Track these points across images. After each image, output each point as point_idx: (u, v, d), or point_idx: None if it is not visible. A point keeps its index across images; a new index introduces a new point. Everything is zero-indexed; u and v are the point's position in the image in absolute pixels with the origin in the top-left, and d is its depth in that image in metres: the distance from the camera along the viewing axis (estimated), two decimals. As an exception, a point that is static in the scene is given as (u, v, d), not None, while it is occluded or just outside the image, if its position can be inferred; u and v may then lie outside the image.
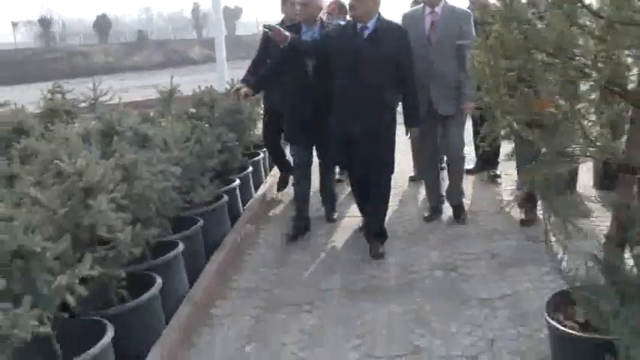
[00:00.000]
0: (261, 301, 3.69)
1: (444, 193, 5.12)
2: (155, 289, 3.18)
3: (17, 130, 4.80)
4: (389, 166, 4.42)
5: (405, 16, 4.88)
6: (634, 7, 1.94)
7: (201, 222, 4.14)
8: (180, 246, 3.67)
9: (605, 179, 5.02)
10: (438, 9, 4.63)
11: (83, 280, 2.67)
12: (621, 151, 2.14)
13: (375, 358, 2.96)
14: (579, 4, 2.22)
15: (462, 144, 4.88)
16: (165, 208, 3.64)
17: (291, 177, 5.49)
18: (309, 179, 4.97)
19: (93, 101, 6.37)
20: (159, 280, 3.25)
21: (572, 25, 2.23)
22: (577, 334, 2.28)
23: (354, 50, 4.15)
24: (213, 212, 4.48)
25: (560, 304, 2.56)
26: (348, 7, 4.63)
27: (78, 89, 6.42)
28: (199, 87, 6.13)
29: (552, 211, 2.32)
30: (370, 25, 4.17)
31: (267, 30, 4.45)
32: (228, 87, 6.69)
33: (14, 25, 35.46)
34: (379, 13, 4.21)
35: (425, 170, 5.24)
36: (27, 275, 2.49)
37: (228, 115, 5.72)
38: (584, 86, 2.20)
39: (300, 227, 4.85)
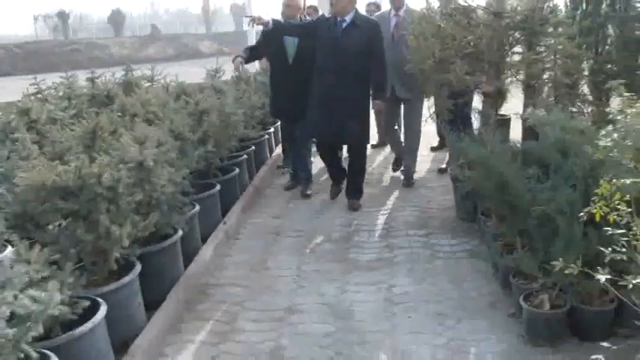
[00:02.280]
0: (292, 193, 6.00)
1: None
2: (235, 173, 5.52)
3: (107, 96, 7.09)
4: (365, 136, 5.37)
5: (376, 17, 5.78)
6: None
7: (253, 148, 6.49)
8: (245, 156, 6.03)
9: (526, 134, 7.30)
10: (401, 12, 5.67)
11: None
12: (474, 82, 4.48)
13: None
14: (465, 16, 4.57)
15: (419, 124, 5.92)
16: (237, 132, 5.97)
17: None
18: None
19: (151, 80, 8.68)
20: (236, 170, 5.59)
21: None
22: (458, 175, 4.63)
23: (333, 39, 5.07)
24: (259, 144, 6.83)
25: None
26: (330, 3, 5.48)
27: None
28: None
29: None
30: (348, 19, 5.05)
31: (249, 17, 5.49)
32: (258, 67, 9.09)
33: (35, 18, 37.91)
34: (356, 9, 5.11)
35: (389, 136, 6.43)
36: (183, 149, 4.82)
37: (262, 87, 8.05)
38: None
39: (294, 182, 6.11)
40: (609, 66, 5.05)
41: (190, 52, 36.56)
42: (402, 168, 6.18)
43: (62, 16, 38.23)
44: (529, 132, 6.28)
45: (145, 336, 3.22)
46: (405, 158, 6.13)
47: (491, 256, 3.66)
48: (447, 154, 6.30)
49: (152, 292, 3.63)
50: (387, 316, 3.41)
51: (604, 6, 5.38)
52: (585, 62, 5.04)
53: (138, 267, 3.41)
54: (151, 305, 3.55)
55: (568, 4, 5.39)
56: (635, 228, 2.11)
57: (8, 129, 4.95)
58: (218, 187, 5.03)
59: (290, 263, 4.20)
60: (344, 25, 5.07)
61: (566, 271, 2.36)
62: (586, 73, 5.03)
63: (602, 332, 2.92)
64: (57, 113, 5.92)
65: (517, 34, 4.55)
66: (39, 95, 7.01)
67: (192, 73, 8.60)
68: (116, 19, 40.73)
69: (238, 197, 5.53)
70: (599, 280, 2.22)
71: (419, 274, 3.91)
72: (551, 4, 4.88)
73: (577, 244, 2.87)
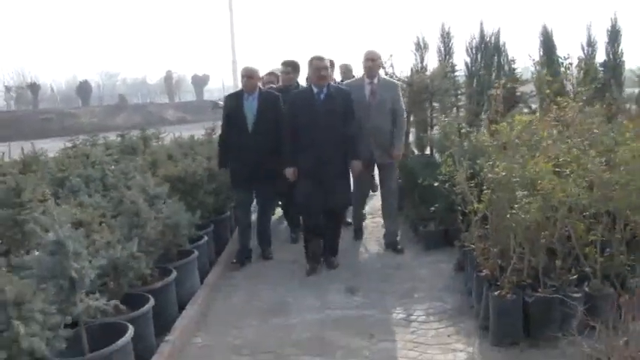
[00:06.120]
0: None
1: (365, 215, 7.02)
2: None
3: (132, 147, 9.80)
4: (348, 198, 5.82)
5: (349, 85, 6.17)
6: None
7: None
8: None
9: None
10: (375, 80, 5.95)
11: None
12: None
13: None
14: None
15: (397, 187, 6.32)
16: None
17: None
18: (250, 217, 6.27)
19: (158, 137, 11.46)
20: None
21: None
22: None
23: (316, 109, 5.38)
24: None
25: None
26: (318, 75, 5.42)
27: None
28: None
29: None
30: (324, 90, 5.43)
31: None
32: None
33: (8, 89, 40.29)
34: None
35: (356, 201, 6.40)
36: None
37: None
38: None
39: (243, 256, 6.03)
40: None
41: (156, 120, 39.19)
42: (385, 234, 6.29)
43: (33, 87, 40.75)
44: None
45: (220, 260, 5.94)
46: (387, 224, 6.29)
47: (409, 216, 6.57)
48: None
49: (218, 242, 6.35)
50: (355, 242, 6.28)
51: (494, 77, 8.53)
52: (483, 113, 8.07)
53: (212, 226, 6.13)
54: (217, 252, 6.26)
55: (465, 73, 8.53)
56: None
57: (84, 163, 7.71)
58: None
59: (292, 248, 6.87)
60: (322, 95, 5.46)
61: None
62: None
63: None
64: (104, 157, 8.68)
65: (423, 96, 7.58)
66: (74, 149, 9.75)
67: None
68: (84, 90, 43.40)
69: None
70: (457, 212, 5.01)
71: (368, 232, 6.77)
72: (451, 75, 8.00)
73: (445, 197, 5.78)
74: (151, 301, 4.04)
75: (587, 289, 3.84)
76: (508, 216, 3.67)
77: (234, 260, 6.00)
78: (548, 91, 6.17)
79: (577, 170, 3.82)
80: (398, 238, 6.20)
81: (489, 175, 3.94)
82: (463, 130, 5.64)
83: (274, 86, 7.50)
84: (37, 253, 3.46)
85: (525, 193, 3.48)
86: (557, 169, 3.91)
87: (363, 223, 6.92)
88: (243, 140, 5.79)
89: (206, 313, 4.73)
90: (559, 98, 5.21)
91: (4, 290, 2.80)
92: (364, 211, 6.95)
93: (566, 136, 4.17)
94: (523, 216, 3.39)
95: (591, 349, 2.84)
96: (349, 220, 6.90)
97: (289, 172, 5.53)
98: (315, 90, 5.48)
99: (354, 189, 6.26)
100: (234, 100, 5.96)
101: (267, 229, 6.26)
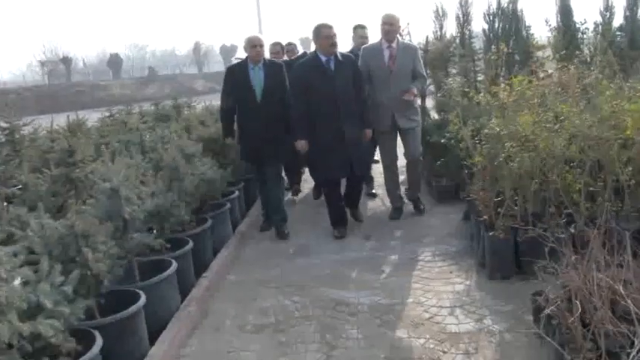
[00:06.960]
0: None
1: (403, 195, 6.33)
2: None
3: (165, 115, 10.41)
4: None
5: (366, 49, 5.97)
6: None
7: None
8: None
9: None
10: (394, 44, 5.76)
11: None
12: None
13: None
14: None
15: (419, 150, 6.17)
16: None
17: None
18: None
19: (190, 106, 12.08)
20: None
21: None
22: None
23: (329, 77, 5.37)
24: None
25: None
26: (330, 43, 5.40)
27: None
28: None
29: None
30: (332, 58, 5.40)
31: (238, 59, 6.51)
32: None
33: (42, 63, 41.40)
34: None
35: (388, 176, 6.20)
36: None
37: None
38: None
39: (269, 223, 6.15)
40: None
41: (186, 91, 39.93)
42: (410, 199, 6.33)
43: (65, 61, 41.83)
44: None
45: (250, 213, 6.55)
46: (410, 189, 6.35)
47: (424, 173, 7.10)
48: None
49: (248, 197, 6.97)
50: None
51: (511, 43, 8.88)
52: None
53: (242, 184, 6.74)
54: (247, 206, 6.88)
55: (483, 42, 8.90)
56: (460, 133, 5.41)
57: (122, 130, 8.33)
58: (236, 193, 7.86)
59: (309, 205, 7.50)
60: (331, 63, 5.46)
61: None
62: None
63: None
64: (140, 125, 9.32)
65: (436, 62, 8.02)
66: (111, 118, 10.41)
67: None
68: (115, 62, 44.36)
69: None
70: (467, 169, 5.48)
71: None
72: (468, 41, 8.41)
73: (454, 154, 6.27)
74: (191, 244, 4.67)
75: (572, 230, 4.33)
76: (495, 163, 4.18)
77: (263, 226, 6.19)
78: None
79: (566, 125, 4.29)
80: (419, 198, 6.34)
81: (485, 131, 4.44)
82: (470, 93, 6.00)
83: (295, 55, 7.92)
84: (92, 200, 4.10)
85: (513, 144, 3.98)
86: (547, 125, 4.38)
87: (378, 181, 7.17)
88: (251, 111, 5.74)
89: (237, 256, 5.39)
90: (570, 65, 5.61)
91: (74, 225, 3.43)
92: (400, 192, 6.32)
93: (551, 96, 4.61)
94: (511, 165, 3.90)
95: (563, 275, 3.35)
96: (374, 191, 7.20)
97: (301, 144, 5.54)
98: (324, 59, 5.45)
99: (382, 161, 6.31)
100: (240, 72, 5.84)
101: (279, 204, 6.07)
